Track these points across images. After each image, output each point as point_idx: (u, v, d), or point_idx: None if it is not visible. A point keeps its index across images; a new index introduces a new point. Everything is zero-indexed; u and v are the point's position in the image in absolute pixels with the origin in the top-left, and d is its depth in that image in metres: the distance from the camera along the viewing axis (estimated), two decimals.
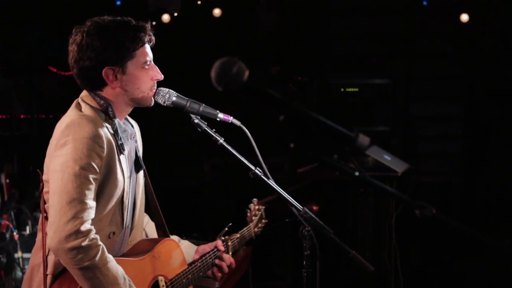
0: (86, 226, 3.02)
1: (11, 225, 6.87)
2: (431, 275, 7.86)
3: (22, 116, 8.93)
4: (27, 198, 7.95)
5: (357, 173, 1.96)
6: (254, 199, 4.11)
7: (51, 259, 3.18)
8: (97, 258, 3.02)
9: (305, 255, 3.25)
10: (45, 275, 3.17)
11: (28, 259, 7.14)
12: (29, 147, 8.64)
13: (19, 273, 6.93)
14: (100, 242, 3.07)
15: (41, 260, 3.22)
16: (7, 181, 7.87)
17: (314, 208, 6.43)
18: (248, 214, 4.07)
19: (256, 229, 4.08)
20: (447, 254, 7.94)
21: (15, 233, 6.82)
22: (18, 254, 6.81)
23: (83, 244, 2.98)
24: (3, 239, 6.78)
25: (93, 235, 3.04)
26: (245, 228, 4.01)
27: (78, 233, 2.99)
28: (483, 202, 8.67)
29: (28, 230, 7.44)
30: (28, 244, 7.17)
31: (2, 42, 8.50)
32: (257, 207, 4.11)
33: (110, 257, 3.11)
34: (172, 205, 8.71)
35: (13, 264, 6.88)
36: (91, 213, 3.07)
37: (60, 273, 3.17)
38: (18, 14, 8.41)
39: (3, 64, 8.65)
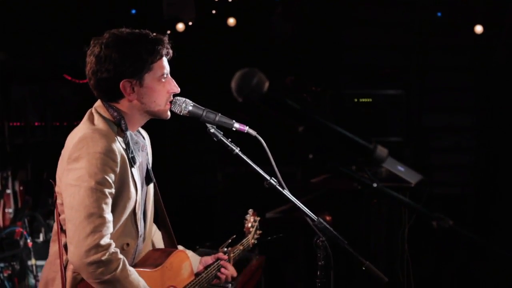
0: (106, 240, 3.05)
1: (25, 232, 6.90)
2: (444, 286, 7.85)
3: (36, 124, 8.98)
4: (41, 205, 7.98)
5: (375, 185, 1.97)
6: (250, 209, 4.20)
7: (69, 274, 3.20)
8: (118, 271, 3.05)
9: (319, 265, 3.25)
10: None
11: (41, 266, 7.16)
12: (43, 154, 8.66)
13: (32, 281, 6.95)
14: (120, 256, 3.09)
15: (57, 275, 3.24)
16: (21, 188, 7.90)
17: (327, 218, 6.43)
18: (246, 225, 4.18)
19: (253, 240, 4.19)
20: (460, 265, 7.92)
21: (29, 241, 6.85)
22: (32, 262, 6.82)
23: (103, 258, 3.01)
24: (17, 246, 6.81)
25: (113, 248, 3.06)
26: (244, 240, 4.10)
27: (98, 247, 3.01)
28: (495, 213, 8.65)
29: (41, 237, 7.47)
30: (41, 251, 7.20)
31: (18, 50, 8.55)
32: (252, 218, 4.20)
33: (131, 269, 3.14)
34: (185, 214, 8.73)
35: (26, 271, 6.90)
36: (109, 227, 3.09)
37: (79, 286, 3.19)
38: (34, 23, 8.46)
39: (19, 72, 8.71)
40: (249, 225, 4.16)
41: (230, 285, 4.92)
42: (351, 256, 3.06)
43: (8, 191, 7.67)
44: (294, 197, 3.25)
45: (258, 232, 4.22)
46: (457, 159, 9.37)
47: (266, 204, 6.58)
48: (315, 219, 3.15)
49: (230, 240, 3.93)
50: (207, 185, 9.33)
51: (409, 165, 6.01)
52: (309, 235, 3.28)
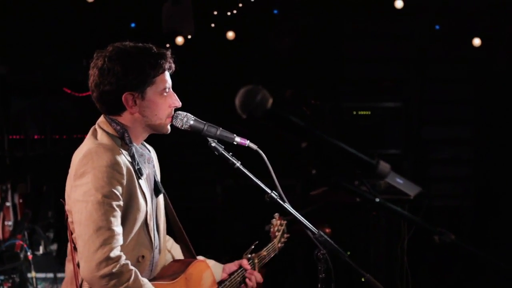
0: (116, 252, 3.04)
1: (25, 245, 6.91)
2: None
3: (36, 137, 8.99)
4: (40, 218, 8.00)
5: (377, 200, 1.99)
6: (276, 213, 4.08)
7: None
8: (130, 282, 3.05)
9: (320, 278, 3.27)
10: None
11: (41, 278, 7.17)
12: (43, 167, 8.69)
13: None
14: (132, 267, 3.09)
15: None
16: (21, 201, 7.92)
17: (327, 230, 6.44)
18: (271, 230, 4.08)
19: (279, 244, 4.11)
20: (458, 277, 7.92)
21: (29, 253, 6.86)
22: (32, 274, 6.84)
23: (114, 270, 3.01)
24: (17, 259, 6.82)
25: (123, 260, 3.06)
26: (269, 244, 4.03)
27: (108, 260, 3.01)
28: (494, 225, 8.67)
29: (41, 250, 7.50)
30: (41, 264, 7.22)
31: (18, 63, 8.57)
32: (279, 222, 4.11)
33: (144, 280, 3.14)
34: (185, 227, 8.72)
35: (26, 284, 6.91)
36: (119, 240, 3.09)
37: None
38: (34, 37, 8.49)
39: (19, 85, 8.73)
40: (276, 229, 4.08)
41: None
42: (351, 269, 3.07)
43: (8, 204, 7.69)
44: (294, 210, 3.26)
45: (285, 235, 4.15)
46: (456, 171, 9.39)
47: (265, 217, 6.59)
48: (316, 232, 3.16)
49: (253, 246, 3.88)
50: (206, 198, 9.34)
51: (408, 178, 6.03)
52: (309, 248, 3.29)
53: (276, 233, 4.10)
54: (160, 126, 3.34)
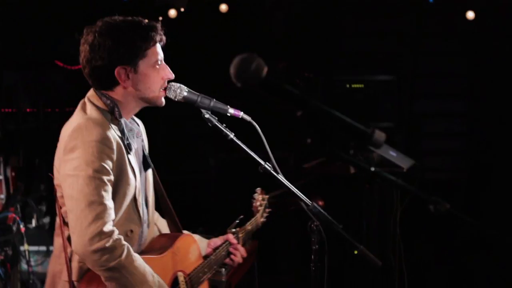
0: (108, 227, 3.04)
1: (17, 218, 6.90)
2: (436, 271, 7.88)
3: (28, 110, 8.97)
4: (33, 191, 8.00)
5: (373, 169, 1.98)
6: (258, 188, 4.14)
7: (74, 265, 3.21)
8: (123, 257, 3.04)
9: (314, 249, 3.28)
10: (71, 282, 3.20)
11: (33, 251, 7.19)
12: (35, 141, 8.69)
13: (24, 266, 6.97)
14: (124, 242, 3.09)
15: (62, 267, 3.25)
16: (13, 174, 7.92)
17: (320, 203, 6.44)
18: (254, 204, 4.13)
19: (262, 219, 4.15)
20: (452, 249, 7.95)
21: (21, 226, 6.85)
22: (24, 247, 6.84)
23: (107, 245, 3.00)
24: (9, 231, 6.81)
25: (116, 235, 3.06)
26: (252, 219, 4.07)
27: (101, 234, 3.01)
28: (486, 199, 8.69)
29: (33, 223, 7.50)
30: (33, 237, 7.23)
31: (10, 36, 8.54)
32: (261, 196, 4.15)
33: (136, 255, 3.14)
34: (177, 200, 8.72)
35: (19, 257, 6.91)
36: (111, 214, 3.09)
37: (85, 276, 3.19)
38: (26, 10, 8.44)
39: (11, 58, 8.70)
40: (258, 203, 4.12)
41: (223, 269, 4.94)
42: (345, 241, 3.08)
43: (0, 177, 7.68)
44: (288, 181, 3.26)
45: (267, 210, 4.18)
46: (449, 145, 9.40)
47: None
48: (309, 204, 3.17)
49: (238, 221, 3.91)
50: (199, 170, 9.33)
51: (401, 151, 6.03)
52: (303, 220, 3.30)
53: (259, 208, 4.14)
54: (154, 98, 3.33)
